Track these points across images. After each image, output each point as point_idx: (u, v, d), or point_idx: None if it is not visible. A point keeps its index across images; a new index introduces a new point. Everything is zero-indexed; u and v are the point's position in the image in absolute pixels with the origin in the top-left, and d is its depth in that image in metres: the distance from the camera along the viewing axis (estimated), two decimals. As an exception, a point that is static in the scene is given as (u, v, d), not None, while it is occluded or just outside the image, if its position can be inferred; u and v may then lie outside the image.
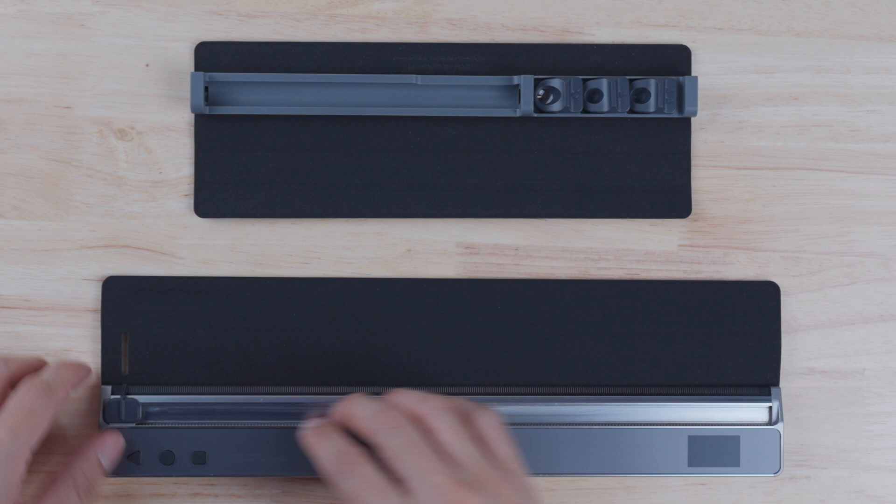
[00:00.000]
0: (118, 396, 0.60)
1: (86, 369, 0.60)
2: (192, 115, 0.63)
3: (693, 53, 0.64)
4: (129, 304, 0.62)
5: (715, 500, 0.63)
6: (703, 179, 0.64)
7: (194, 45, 0.63)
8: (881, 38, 0.65)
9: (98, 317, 0.62)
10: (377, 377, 0.62)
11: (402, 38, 0.64)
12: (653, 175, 0.64)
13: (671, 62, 0.64)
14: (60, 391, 0.57)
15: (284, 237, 0.63)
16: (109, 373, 0.62)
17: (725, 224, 0.64)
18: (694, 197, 0.64)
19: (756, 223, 0.64)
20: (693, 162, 0.64)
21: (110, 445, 0.59)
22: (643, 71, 0.64)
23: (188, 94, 0.63)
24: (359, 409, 0.56)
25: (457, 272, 0.63)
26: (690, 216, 0.64)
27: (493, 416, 0.56)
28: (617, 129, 0.64)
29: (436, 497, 0.51)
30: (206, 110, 0.62)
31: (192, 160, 0.63)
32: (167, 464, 0.59)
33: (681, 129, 0.64)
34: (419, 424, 0.55)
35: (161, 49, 0.63)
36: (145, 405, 0.60)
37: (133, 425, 0.60)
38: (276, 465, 0.60)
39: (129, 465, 0.59)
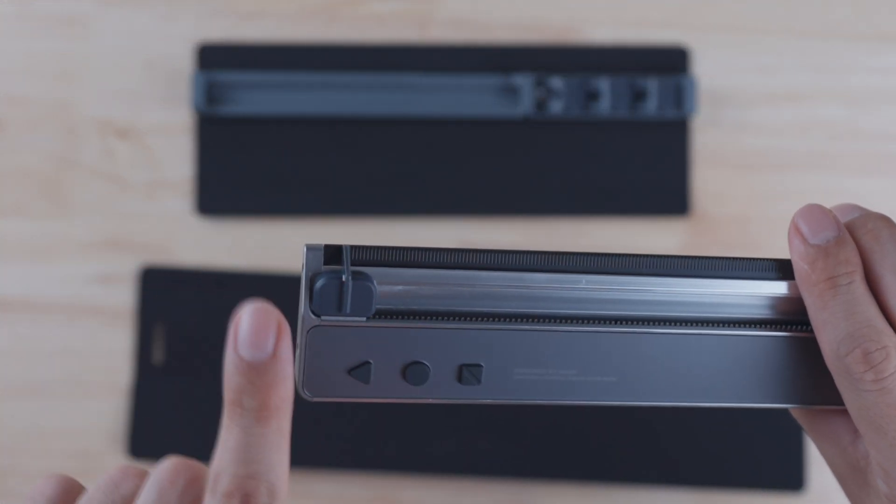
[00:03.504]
0: (337, 272, 0.35)
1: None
2: (193, 115, 0.63)
3: (693, 53, 0.64)
4: (165, 294, 0.62)
5: None
6: (703, 179, 0.64)
7: (194, 45, 0.63)
8: (881, 38, 0.65)
9: (100, 317, 0.63)
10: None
11: (402, 38, 0.64)
12: (652, 175, 0.64)
13: (671, 62, 0.64)
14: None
15: (284, 236, 0.63)
16: (143, 362, 0.62)
17: (725, 224, 0.64)
18: (694, 197, 0.64)
19: (756, 223, 0.64)
20: (693, 162, 0.64)
21: (246, 323, 0.32)
22: (643, 71, 0.64)
23: (188, 94, 0.63)
24: None
25: (457, 272, 0.63)
26: (690, 216, 0.64)
27: None
28: (617, 129, 0.64)
29: None
30: (209, 110, 0.62)
31: (192, 160, 0.63)
32: (417, 382, 0.36)
33: (680, 129, 0.64)
34: None
35: (161, 49, 0.63)
36: (384, 290, 0.35)
37: (364, 322, 0.35)
38: (598, 386, 0.37)
39: (351, 383, 0.35)
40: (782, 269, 0.37)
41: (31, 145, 0.63)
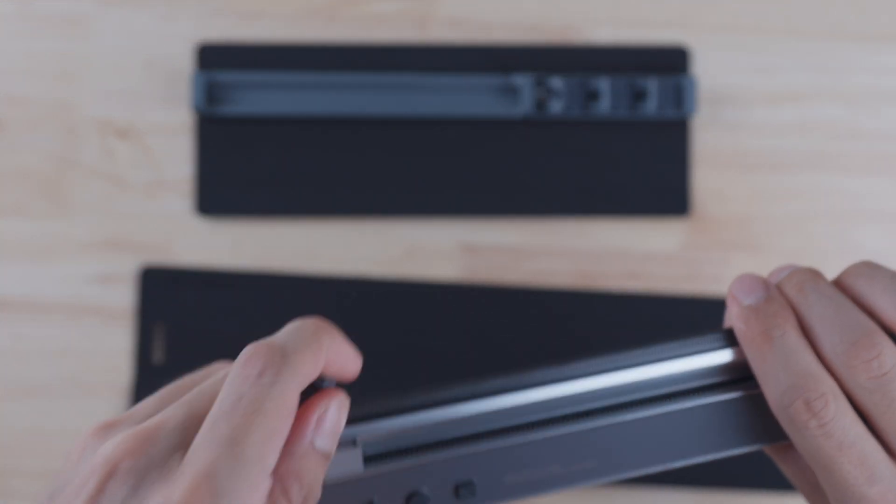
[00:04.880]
0: None
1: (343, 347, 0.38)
2: (193, 115, 0.63)
3: (693, 53, 0.64)
4: (165, 294, 0.62)
5: None
6: (703, 179, 0.64)
7: (194, 45, 0.63)
8: (881, 38, 0.65)
9: (100, 317, 0.63)
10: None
11: (402, 38, 0.64)
12: (652, 175, 0.64)
13: (671, 62, 0.64)
14: (303, 359, 0.35)
15: (284, 236, 0.63)
16: (143, 362, 0.62)
17: (725, 224, 0.64)
18: (694, 197, 0.64)
19: (756, 223, 0.64)
20: (693, 162, 0.64)
21: (331, 417, 0.36)
22: (643, 71, 0.64)
23: (188, 94, 0.63)
24: (871, 280, 0.39)
25: (458, 272, 0.63)
26: (690, 216, 0.64)
27: None
28: (617, 129, 0.64)
29: None
30: (209, 110, 0.62)
31: (192, 160, 0.63)
32: None
33: (680, 129, 0.64)
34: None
35: (161, 49, 0.63)
36: (372, 438, 0.39)
37: (360, 472, 0.39)
38: (582, 473, 0.41)
39: None
40: (728, 338, 0.41)
41: (31, 145, 0.63)
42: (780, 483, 0.62)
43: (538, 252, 0.64)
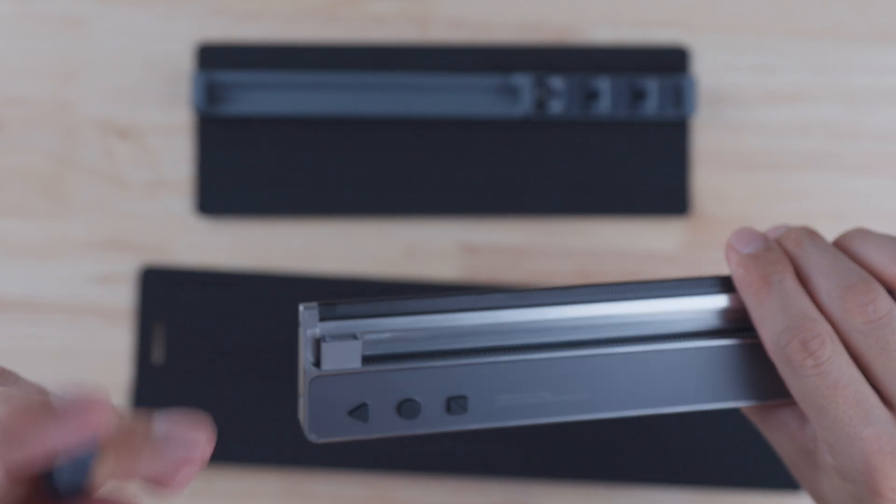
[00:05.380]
0: (329, 322, 0.39)
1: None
2: (193, 115, 0.63)
3: (693, 53, 0.64)
4: (165, 294, 0.62)
5: None
6: (703, 179, 0.64)
7: (194, 45, 0.63)
8: (881, 38, 0.65)
9: (100, 317, 0.63)
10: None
11: (402, 38, 0.64)
12: (652, 175, 0.64)
13: (671, 62, 0.64)
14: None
15: (284, 236, 0.63)
16: (143, 362, 0.62)
17: (725, 224, 0.64)
18: (694, 197, 0.64)
19: (756, 223, 0.64)
20: (693, 162, 0.64)
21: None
22: (643, 71, 0.64)
23: (188, 94, 0.63)
24: (871, 246, 0.41)
25: (458, 272, 0.63)
26: (690, 216, 0.64)
27: None
28: (617, 129, 0.64)
29: None
30: (209, 110, 0.62)
31: (193, 160, 0.63)
32: (411, 416, 0.41)
33: (680, 129, 0.64)
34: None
35: (161, 49, 0.63)
36: (374, 337, 0.40)
37: (358, 368, 0.39)
38: (572, 404, 0.42)
39: (352, 423, 0.40)
40: (724, 285, 0.42)
41: (31, 145, 0.63)
42: (779, 483, 0.62)
43: (538, 252, 0.64)
